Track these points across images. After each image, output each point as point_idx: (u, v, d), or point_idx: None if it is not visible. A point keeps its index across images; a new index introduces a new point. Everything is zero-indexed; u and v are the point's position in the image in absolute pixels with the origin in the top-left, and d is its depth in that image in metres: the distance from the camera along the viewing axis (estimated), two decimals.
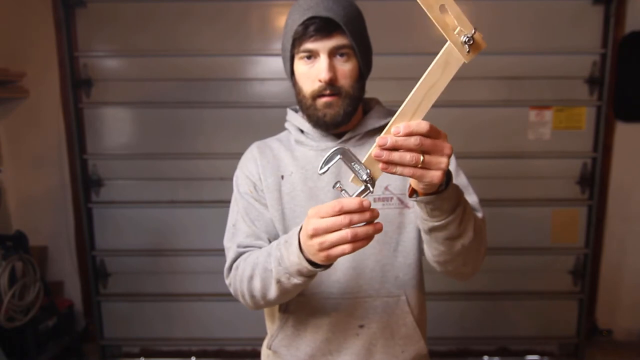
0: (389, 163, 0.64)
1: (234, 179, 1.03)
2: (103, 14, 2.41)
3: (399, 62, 2.35)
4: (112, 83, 2.48)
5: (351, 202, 0.66)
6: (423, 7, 0.62)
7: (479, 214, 0.92)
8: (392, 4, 2.34)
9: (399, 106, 0.66)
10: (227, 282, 0.96)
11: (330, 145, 0.97)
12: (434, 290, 2.42)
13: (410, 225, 0.96)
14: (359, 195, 0.68)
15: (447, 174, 0.72)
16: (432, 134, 0.65)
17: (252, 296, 0.89)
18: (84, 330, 2.71)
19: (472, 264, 0.87)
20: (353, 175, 0.68)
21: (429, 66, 0.64)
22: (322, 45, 0.87)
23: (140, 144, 2.53)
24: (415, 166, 0.64)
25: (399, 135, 0.63)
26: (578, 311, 2.62)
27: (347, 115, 0.92)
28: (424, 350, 0.99)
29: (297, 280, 0.79)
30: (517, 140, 2.49)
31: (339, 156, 0.68)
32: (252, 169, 1.00)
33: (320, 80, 0.88)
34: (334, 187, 0.70)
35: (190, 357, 2.66)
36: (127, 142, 2.54)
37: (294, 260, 0.76)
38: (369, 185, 0.68)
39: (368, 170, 0.67)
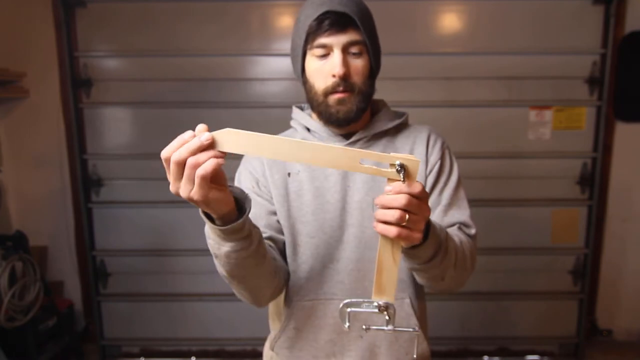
0: (378, 221, 0.67)
1: (236, 175, 1.02)
2: (103, 14, 2.41)
3: (399, 62, 2.34)
4: (112, 83, 2.48)
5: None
6: (350, 170, 0.67)
7: (472, 231, 0.94)
8: (392, 4, 2.33)
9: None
10: None
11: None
12: None
13: None
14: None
15: (427, 222, 0.74)
16: (422, 195, 0.66)
17: (224, 277, 0.85)
18: (84, 330, 2.71)
19: (456, 286, 0.91)
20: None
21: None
22: (337, 40, 0.86)
23: (140, 144, 2.52)
24: (399, 224, 0.66)
25: (389, 193, 0.66)
26: (578, 311, 2.62)
27: (359, 111, 0.92)
28: (427, 352, 0.99)
29: (211, 240, 0.78)
30: (517, 140, 2.49)
31: (348, 310, 0.72)
32: (256, 165, 0.99)
33: (334, 76, 0.87)
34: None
35: (190, 357, 2.66)
36: (127, 142, 2.54)
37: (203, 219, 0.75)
38: (381, 304, 0.72)
39: (375, 302, 0.71)
